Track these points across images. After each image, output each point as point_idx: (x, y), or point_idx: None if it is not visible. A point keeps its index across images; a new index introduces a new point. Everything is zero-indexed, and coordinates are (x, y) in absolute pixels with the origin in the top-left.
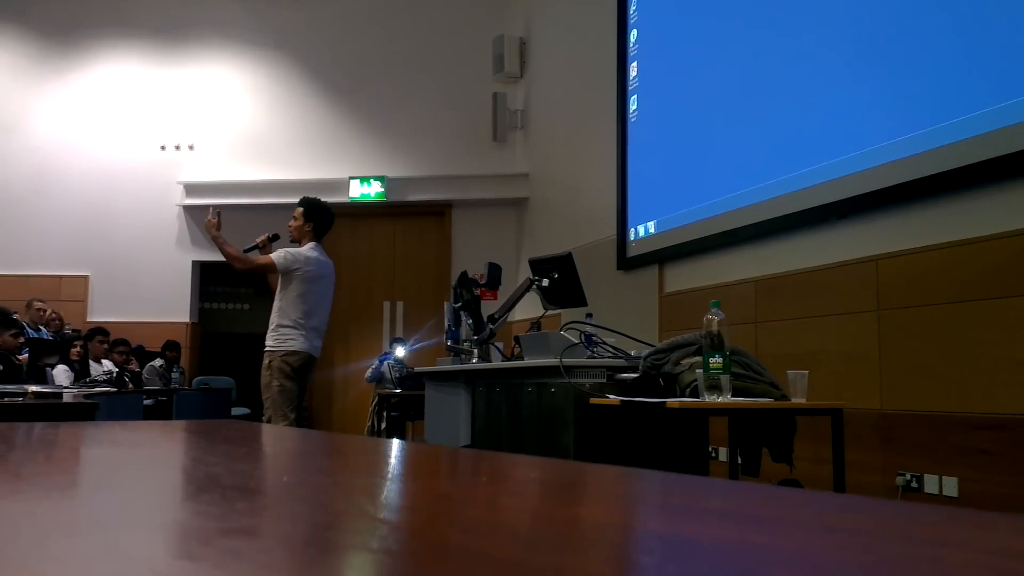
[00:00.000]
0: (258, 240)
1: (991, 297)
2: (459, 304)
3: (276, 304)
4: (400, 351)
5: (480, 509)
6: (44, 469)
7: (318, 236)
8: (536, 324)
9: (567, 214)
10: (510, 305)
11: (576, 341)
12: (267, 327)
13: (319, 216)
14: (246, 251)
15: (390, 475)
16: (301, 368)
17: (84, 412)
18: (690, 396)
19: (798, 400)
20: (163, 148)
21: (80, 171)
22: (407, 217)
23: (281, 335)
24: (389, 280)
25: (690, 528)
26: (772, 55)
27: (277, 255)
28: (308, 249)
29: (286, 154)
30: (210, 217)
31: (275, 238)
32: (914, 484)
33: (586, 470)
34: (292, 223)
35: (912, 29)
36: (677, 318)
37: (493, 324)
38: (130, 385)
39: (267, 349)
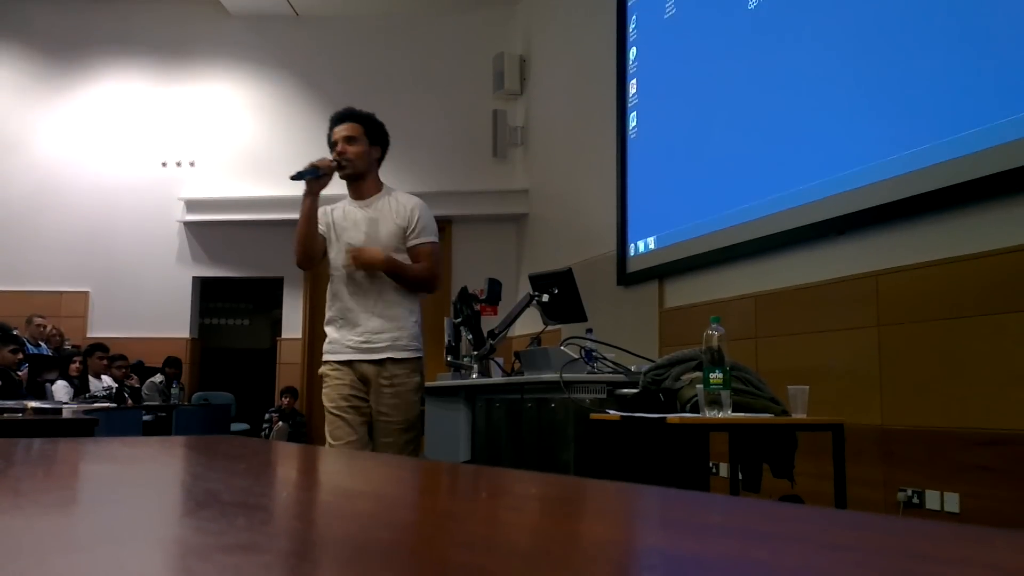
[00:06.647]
0: (318, 163)
1: (991, 312)
2: (459, 319)
3: (397, 291)
4: None
5: (480, 525)
6: (44, 485)
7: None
8: (536, 339)
9: (567, 230)
10: (510, 320)
11: (576, 356)
12: (267, 342)
13: (385, 137)
14: (295, 177)
15: (390, 491)
16: None
17: (83, 428)
18: (690, 411)
19: (799, 415)
20: (164, 165)
21: (81, 187)
22: None
23: (418, 333)
24: None
25: (691, 544)
26: (771, 72)
27: (433, 229)
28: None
29: (287, 171)
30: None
31: (337, 167)
32: (915, 500)
33: (586, 486)
34: (350, 147)
35: (911, 46)
36: (677, 333)
37: (493, 339)
38: (129, 401)
39: (410, 356)
